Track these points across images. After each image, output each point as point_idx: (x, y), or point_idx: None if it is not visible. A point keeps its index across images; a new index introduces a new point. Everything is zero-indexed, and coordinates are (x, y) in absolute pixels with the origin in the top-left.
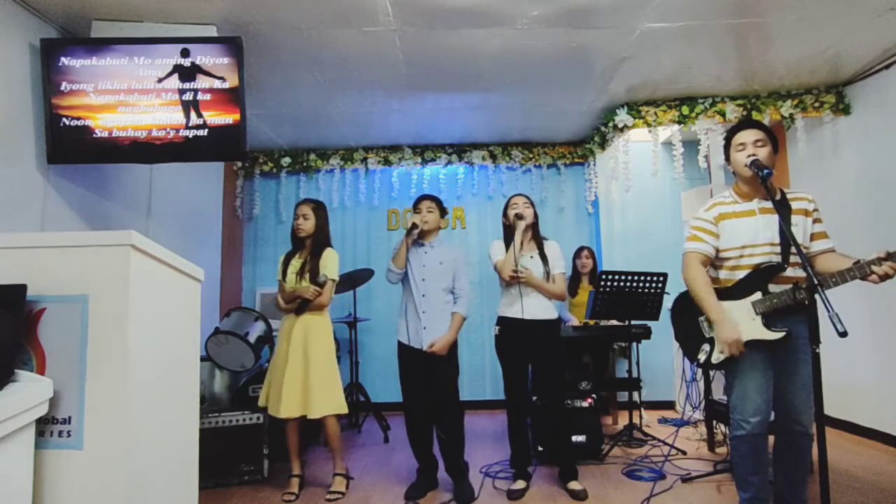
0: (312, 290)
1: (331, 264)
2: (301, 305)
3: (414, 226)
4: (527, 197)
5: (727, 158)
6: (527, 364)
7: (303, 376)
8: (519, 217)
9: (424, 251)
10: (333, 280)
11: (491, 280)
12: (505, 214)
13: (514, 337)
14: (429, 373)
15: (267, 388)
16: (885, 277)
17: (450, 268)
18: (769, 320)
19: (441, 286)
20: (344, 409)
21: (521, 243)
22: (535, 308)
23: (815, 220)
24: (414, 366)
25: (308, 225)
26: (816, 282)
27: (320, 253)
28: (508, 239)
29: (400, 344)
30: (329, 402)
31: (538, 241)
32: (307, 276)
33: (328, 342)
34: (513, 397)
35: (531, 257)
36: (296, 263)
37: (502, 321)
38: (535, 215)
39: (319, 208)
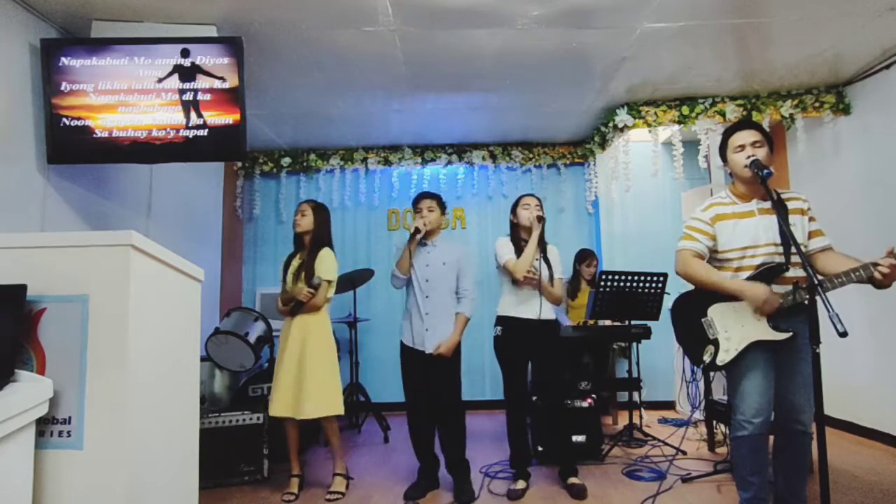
0: (305, 292)
1: (326, 265)
2: (295, 307)
3: (417, 230)
4: (537, 198)
5: (723, 159)
6: (527, 364)
7: (297, 377)
8: (540, 219)
9: (427, 251)
10: (328, 281)
11: (493, 279)
12: (514, 212)
13: (518, 337)
14: (432, 374)
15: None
16: (889, 277)
17: (454, 267)
18: (775, 321)
19: (445, 287)
20: (339, 411)
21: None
22: (547, 309)
23: (811, 219)
24: (416, 367)
25: (305, 222)
26: (816, 282)
27: (318, 253)
28: (515, 237)
29: (402, 345)
30: (323, 403)
31: (542, 244)
32: (303, 277)
33: (327, 342)
34: (513, 397)
35: (537, 260)
36: (295, 264)
37: (505, 321)
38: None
39: (320, 209)
